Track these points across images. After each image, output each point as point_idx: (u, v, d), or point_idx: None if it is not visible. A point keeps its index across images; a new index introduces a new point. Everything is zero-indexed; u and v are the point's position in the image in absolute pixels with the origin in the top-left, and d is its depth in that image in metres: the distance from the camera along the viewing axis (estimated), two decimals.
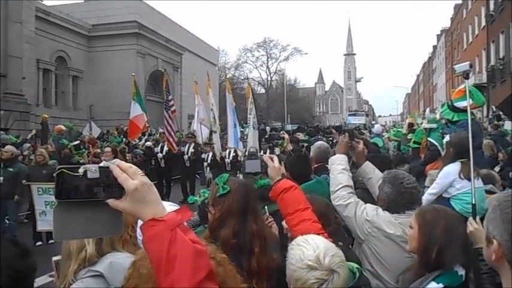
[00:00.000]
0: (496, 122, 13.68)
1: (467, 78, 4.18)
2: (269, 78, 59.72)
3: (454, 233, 1.96)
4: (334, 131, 13.21)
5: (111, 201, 0.99)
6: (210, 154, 11.99)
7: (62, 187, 0.97)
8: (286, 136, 5.75)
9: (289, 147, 5.54)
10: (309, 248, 1.63)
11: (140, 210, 1.00)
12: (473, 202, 3.32)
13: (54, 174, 0.97)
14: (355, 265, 1.80)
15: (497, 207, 1.28)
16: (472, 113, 5.41)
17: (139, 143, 15.42)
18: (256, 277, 1.88)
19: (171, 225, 0.97)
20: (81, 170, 0.97)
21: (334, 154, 3.09)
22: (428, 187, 4.23)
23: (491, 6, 25.97)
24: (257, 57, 58.97)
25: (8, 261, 1.07)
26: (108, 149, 10.19)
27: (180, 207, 1.06)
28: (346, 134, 3.07)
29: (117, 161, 1.27)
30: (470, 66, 4.01)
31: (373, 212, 2.58)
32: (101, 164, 1.03)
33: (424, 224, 2.01)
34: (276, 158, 2.40)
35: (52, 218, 1.00)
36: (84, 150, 12.12)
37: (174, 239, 0.95)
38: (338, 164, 2.87)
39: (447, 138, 4.38)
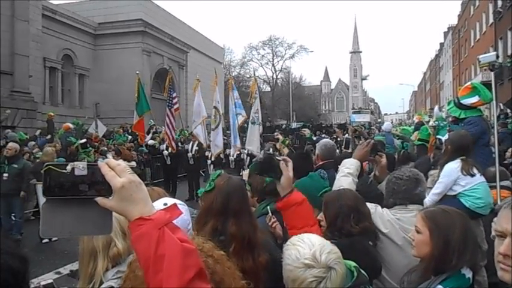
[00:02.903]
0: (503, 121, 13.54)
1: (492, 70, 4.07)
2: (274, 76, 59.63)
3: (471, 236, 1.91)
4: (337, 129, 13.19)
5: (99, 200, 0.98)
6: (195, 144, 12.06)
7: (50, 184, 0.96)
8: (281, 137, 5.59)
9: (284, 151, 5.38)
10: (305, 247, 1.62)
11: (127, 209, 0.98)
12: (499, 202, 3.24)
13: (42, 171, 0.96)
14: (353, 264, 1.76)
15: None
16: (479, 110, 5.37)
17: (144, 141, 15.48)
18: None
19: (158, 224, 0.96)
20: (68, 167, 0.96)
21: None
22: (431, 188, 4.19)
23: (499, 3, 25.68)
24: (262, 55, 58.90)
25: (14, 248, 1.08)
26: (112, 153, 10.31)
27: (168, 206, 1.05)
28: (371, 143, 3.03)
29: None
30: (497, 57, 3.88)
31: (371, 209, 2.57)
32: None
33: (438, 229, 1.91)
34: (290, 165, 2.29)
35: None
36: (91, 148, 12.17)
37: (162, 238, 0.94)
38: (346, 167, 2.90)
39: (446, 136, 4.33)
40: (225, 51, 50.02)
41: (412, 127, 12.30)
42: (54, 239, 7.43)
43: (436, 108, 15.24)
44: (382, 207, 2.72)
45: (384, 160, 3.09)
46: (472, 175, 3.80)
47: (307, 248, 1.60)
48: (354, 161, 2.95)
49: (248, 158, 11.26)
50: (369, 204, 2.61)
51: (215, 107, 10.84)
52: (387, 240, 2.47)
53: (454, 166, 3.87)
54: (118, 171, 0.99)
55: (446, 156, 4.06)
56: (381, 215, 2.55)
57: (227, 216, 1.96)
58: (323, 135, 16.98)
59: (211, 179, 2.06)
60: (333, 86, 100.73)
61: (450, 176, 3.86)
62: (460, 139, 4.03)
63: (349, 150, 6.36)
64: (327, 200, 2.43)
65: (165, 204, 1.73)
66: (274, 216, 2.68)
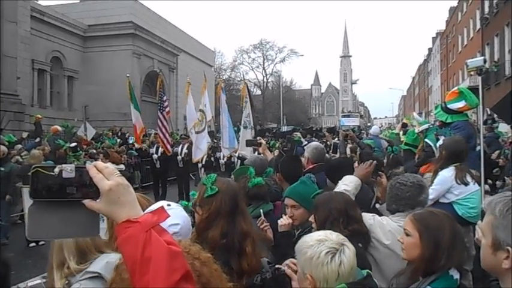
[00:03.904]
0: (490, 125, 13.74)
1: (480, 74, 4.12)
2: (265, 80, 59.76)
3: (459, 237, 1.94)
4: (327, 133, 13.27)
5: (87, 202, 0.98)
6: (185, 147, 11.95)
7: (37, 186, 0.96)
8: (263, 141, 5.59)
9: (268, 154, 5.29)
10: (315, 232, 1.78)
11: (115, 212, 0.98)
12: (483, 207, 3.28)
13: (29, 173, 0.96)
14: (367, 270, 1.81)
15: (507, 213, 1.23)
16: (466, 115, 5.46)
17: (134, 144, 15.36)
18: (246, 277, 1.87)
19: (145, 227, 0.96)
20: (56, 170, 0.96)
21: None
22: None
23: (486, 9, 26.14)
24: (253, 59, 58.99)
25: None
26: (101, 155, 10.25)
27: (156, 209, 1.05)
28: (374, 163, 3.04)
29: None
30: (485, 61, 3.94)
31: (370, 221, 2.55)
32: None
33: (428, 231, 1.93)
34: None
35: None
36: (81, 152, 12.06)
37: (149, 241, 0.94)
38: (345, 184, 2.89)
39: (440, 141, 4.36)
40: (216, 55, 50.01)
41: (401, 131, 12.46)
42: (41, 243, 7.33)
43: (415, 114, 15.52)
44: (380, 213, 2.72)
45: (384, 180, 3.07)
46: (466, 184, 3.80)
47: (319, 232, 1.76)
48: (354, 179, 2.93)
49: (239, 161, 11.25)
50: (367, 215, 2.61)
51: (201, 110, 10.78)
52: (388, 251, 2.44)
53: (448, 175, 3.87)
54: (106, 173, 0.99)
55: (440, 161, 4.04)
56: (381, 226, 2.52)
57: (235, 217, 2.01)
58: (313, 139, 17.04)
59: (210, 183, 2.07)
60: (323, 90, 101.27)
61: (444, 185, 3.85)
62: (455, 145, 4.02)
63: (337, 155, 6.41)
64: (318, 203, 2.44)
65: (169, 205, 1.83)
66: (266, 219, 2.70)
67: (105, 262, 1.71)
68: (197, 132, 10.63)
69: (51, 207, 0.98)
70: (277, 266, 1.94)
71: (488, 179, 6.16)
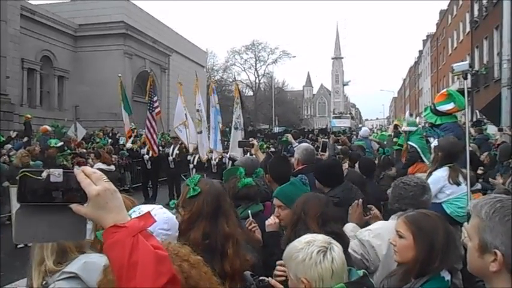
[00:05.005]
0: (479, 127, 13.88)
1: (465, 78, 4.20)
2: (257, 81, 59.81)
3: (452, 238, 1.94)
4: (319, 138, 13.37)
5: (74, 206, 0.99)
6: (176, 147, 11.95)
7: (24, 190, 0.96)
8: (256, 142, 5.63)
9: (260, 155, 5.33)
10: (302, 237, 1.75)
11: (102, 217, 0.99)
12: (468, 209, 3.31)
13: (17, 177, 0.96)
14: (363, 270, 1.83)
15: (493, 215, 1.23)
16: (455, 116, 5.52)
17: (125, 144, 15.27)
18: (229, 279, 1.86)
19: (132, 232, 0.97)
20: (44, 174, 0.97)
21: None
22: None
23: (476, 13, 26.42)
24: (245, 60, 59.02)
25: None
26: (91, 155, 10.21)
27: (142, 214, 1.06)
28: (360, 201, 3.01)
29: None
30: (470, 66, 4.02)
31: (366, 237, 2.52)
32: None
33: (422, 232, 1.92)
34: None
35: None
36: (68, 151, 11.94)
37: (136, 246, 0.95)
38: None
39: (435, 142, 4.41)
40: (208, 55, 49.91)
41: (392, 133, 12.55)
42: (30, 244, 7.22)
43: (407, 114, 15.66)
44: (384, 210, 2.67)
45: (376, 211, 3.06)
46: (458, 184, 3.83)
47: (305, 235, 1.75)
48: (352, 226, 2.87)
49: (230, 162, 11.23)
50: (362, 231, 2.60)
51: (198, 110, 10.82)
52: (389, 261, 2.33)
53: (441, 174, 3.90)
54: (94, 179, 1.00)
55: (436, 163, 4.05)
56: (379, 236, 2.48)
57: (217, 218, 1.99)
58: (306, 140, 17.06)
59: (194, 184, 2.05)
60: (315, 91, 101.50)
61: (436, 184, 3.86)
62: (451, 146, 4.04)
63: (326, 153, 6.42)
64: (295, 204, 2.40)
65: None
66: (254, 220, 2.70)
67: (83, 262, 1.70)
68: (199, 133, 10.71)
69: (38, 211, 0.98)
70: (261, 277, 1.93)
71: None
